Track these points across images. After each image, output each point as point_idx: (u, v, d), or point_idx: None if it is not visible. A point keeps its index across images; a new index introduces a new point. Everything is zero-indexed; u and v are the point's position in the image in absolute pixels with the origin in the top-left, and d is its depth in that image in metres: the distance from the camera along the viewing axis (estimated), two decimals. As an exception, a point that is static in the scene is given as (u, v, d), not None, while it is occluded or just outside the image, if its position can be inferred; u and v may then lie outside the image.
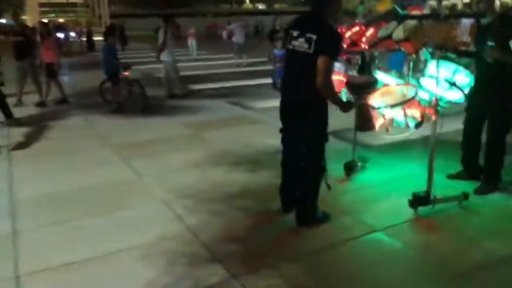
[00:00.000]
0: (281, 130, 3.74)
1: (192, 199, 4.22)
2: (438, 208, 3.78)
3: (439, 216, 3.75)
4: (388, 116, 3.68)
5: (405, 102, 3.48)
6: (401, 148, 5.35)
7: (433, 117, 3.58)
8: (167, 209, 4.03)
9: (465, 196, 3.91)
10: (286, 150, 3.77)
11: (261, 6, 66.16)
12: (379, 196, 4.16)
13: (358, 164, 4.69)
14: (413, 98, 3.51)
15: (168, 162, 5.38)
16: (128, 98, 8.45)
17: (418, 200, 3.76)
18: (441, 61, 3.58)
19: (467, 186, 4.18)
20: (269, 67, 11.07)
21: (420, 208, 3.76)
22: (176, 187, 4.53)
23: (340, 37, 3.45)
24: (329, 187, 3.79)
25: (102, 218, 3.90)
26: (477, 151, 4.32)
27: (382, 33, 4.03)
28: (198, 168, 5.11)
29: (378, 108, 3.69)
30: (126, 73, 8.39)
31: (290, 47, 3.45)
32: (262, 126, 7.05)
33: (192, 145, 6.11)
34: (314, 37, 3.26)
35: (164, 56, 9.42)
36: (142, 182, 4.78)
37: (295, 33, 3.41)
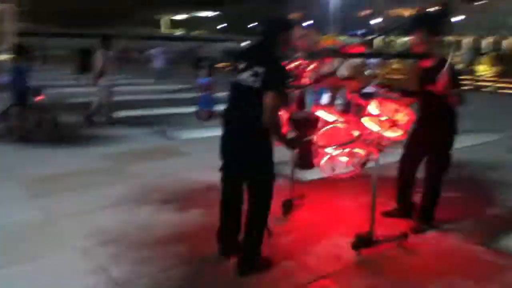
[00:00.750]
0: (222, 168, 3.43)
1: (117, 245, 3.72)
2: (379, 249, 3.67)
3: (381, 257, 3.63)
4: (333, 154, 3.54)
5: (352, 141, 3.37)
6: (337, 184, 5.24)
7: (376, 156, 3.50)
8: (87, 259, 3.50)
9: (405, 235, 3.86)
10: (227, 190, 3.46)
11: (178, 32, 65.94)
12: (319, 236, 3.97)
13: (295, 201, 4.49)
14: (359, 137, 3.40)
15: (86, 200, 4.80)
16: (37, 125, 7.64)
17: (361, 242, 3.63)
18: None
19: (402, 224, 4.16)
20: (194, 94, 10.74)
21: (363, 249, 3.63)
22: (97, 230, 3.99)
23: (287, 72, 3.28)
24: (269, 233, 3.56)
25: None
26: (412, 189, 4.33)
27: (324, 68, 3.94)
28: (121, 207, 4.60)
29: (324, 147, 3.53)
30: (38, 98, 7.59)
31: (235, 79, 3.22)
32: (189, 159, 6.68)
33: (113, 179, 5.56)
34: (260, 70, 3.06)
35: (102, 81, 8.84)
36: (54, 225, 4.16)
37: (241, 66, 3.19)
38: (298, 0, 74.39)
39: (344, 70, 3.62)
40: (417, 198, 4.30)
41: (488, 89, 19.57)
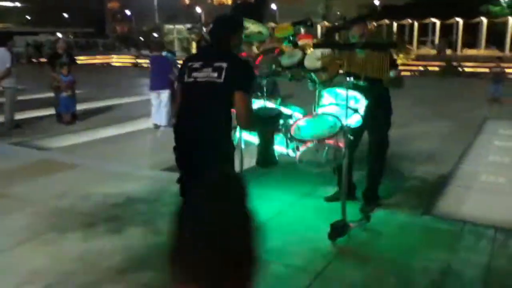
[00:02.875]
0: (181, 180, 3.01)
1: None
2: (351, 235, 3.69)
3: (355, 243, 3.65)
4: (302, 148, 3.38)
5: (334, 135, 3.26)
6: (274, 175, 5.07)
7: (342, 145, 3.46)
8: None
9: (367, 217, 3.95)
10: None
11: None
12: (288, 231, 3.81)
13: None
14: (341, 129, 3.30)
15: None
16: None
17: (336, 231, 3.60)
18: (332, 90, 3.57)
19: (349, 206, 4.26)
20: (50, 94, 9.33)
21: (339, 239, 3.60)
22: (29, 274, 3.16)
23: (251, 67, 3.04)
24: None
25: None
26: (351, 171, 4.45)
27: (286, 61, 3.73)
28: (41, 240, 3.73)
29: (301, 140, 3.34)
30: None
31: (190, 79, 2.88)
32: (80, 171, 5.75)
33: (1, 208, 4.48)
34: (224, 65, 2.80)
35: (7, 83, 7.75)
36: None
37: (196, 64, 2.89)
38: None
39: (314, 61, 3.48)
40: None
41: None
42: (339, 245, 3.58)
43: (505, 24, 32.66)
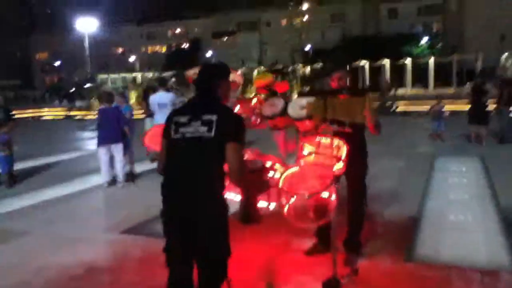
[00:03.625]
0: (168, 248, 2.73)
1: None
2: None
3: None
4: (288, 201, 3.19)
5: (330, 185, 3.09)
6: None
7: (334, 197, 3.32)
8: None
9: (355, 271, 3.79)
10: (177, 275, 2.75)
11: None
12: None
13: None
14: (335, 179, 3.16)
15: None
16: None
17: (330, 289, 3.41)
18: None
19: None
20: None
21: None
22: None
23: (242, 118, 2.84)
24: None
25: None
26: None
27: (267, 111, 3.58)
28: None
29: (292, 193, 3.14)
30: None
31: (177, 135, 2.66)
32: (31, 239, 5.16)
33: None
34: (214, 117, 2.60)
35: None
36: None
37: (183, 119, 2.67)
38: (42, 38, 69.17)
39: (297, 109, 3.36)
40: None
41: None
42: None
43: (427, 63, 35.25)
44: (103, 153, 7.39)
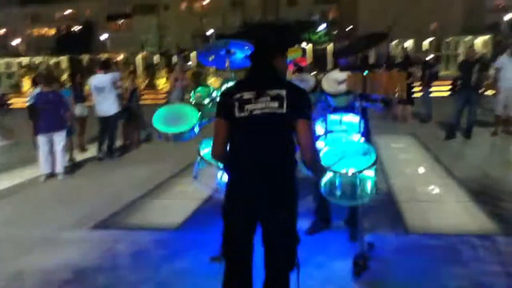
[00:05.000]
0: (232, 234, 2.52)
1: None
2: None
3: (377, 275, 3.48)
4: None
5: (373, 164, 3.01)
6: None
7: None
8: None
9: (371, 245, 3.81)
10: (240, 264, 2.54)
11: None
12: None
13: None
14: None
15: None
16: None
17: (360, 267, 3.39)
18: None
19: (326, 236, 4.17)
20: None
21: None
22: None
23: (308, 94, 2.67)
24: None
25: None
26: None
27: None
28: None
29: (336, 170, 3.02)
30: None
31: (243, 114, 2.42)
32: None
33: None
34: (283, 92, 2.41)
35: None
36: None
37: (247, 95, 2.43)
38: None
39: (335, 84, 3.21)
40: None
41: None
42: (366, 281, 3.37)
43: (324, 50, 36.84)
44: (43, 143, 6.57)
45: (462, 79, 8.56)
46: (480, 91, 8.73)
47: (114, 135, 8.07)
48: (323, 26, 47.06)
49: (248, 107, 2.40)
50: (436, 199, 5.34)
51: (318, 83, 3.46)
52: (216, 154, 2.55)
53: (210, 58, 3.67)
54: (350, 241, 4.08)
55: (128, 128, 9.08)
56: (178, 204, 5.58)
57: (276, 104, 2.38)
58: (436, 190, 5.66)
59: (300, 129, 2.39)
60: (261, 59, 2.55)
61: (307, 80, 3.55)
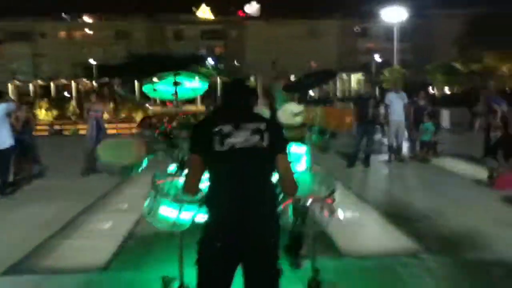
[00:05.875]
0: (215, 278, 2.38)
1: None
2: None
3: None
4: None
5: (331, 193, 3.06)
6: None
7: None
8: None
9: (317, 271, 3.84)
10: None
11: None
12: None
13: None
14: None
15: None
16: None
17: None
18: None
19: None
20: None
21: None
22: None
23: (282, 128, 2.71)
24: None
25: None
26: None
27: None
28: None
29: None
30: None
31: (224, 148, 2.32)
32: None
33: None
34: (262, 125, 2.39)
35: None
36: None
37: (226, 129, 2.33)
38: None
39: (291, 117, 3.20)
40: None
41: (70, 132, 19.79)
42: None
43: (215, 83, 37.70)
44: None
45: (360, 113, 9.25)
46: (375, 124, 9.56)
47: (8, 170, 7.20)
48: (211, 61, 48.15)
49: (229, 141, 2.31)
50: (359, 223, 5.61)
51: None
52: (193, 191, 2.42)
53: (155, 89, 3.53)
54: (292, 269, 4.08)
55: (20, 162, 8.16)
56: (96, 243, 5.08)
57: (257, 138, 2.34)
58: (356, 214, 5.95)
59: (281, 163, 2.40)
60: (240, 93, 2.54)
61: (264, 112, 3.57)
